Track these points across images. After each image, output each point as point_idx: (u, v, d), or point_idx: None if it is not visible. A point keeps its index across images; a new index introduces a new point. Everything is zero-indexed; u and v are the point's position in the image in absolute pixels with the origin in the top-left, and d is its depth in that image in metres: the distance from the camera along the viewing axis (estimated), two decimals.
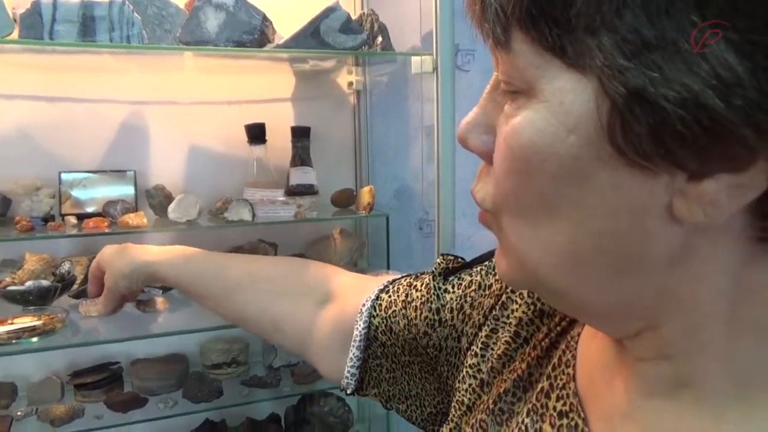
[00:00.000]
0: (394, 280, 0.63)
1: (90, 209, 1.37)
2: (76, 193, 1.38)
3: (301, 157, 1.53)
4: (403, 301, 0.59)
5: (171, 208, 1.33)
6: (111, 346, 1.47)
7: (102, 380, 1.39)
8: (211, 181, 1.51)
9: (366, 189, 1.45)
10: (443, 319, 0.55)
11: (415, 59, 1.17)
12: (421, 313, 0.57)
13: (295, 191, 1.50)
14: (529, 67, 0.30)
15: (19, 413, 1.30)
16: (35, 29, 0.99)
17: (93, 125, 1.43)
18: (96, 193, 1.39)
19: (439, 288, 0.57)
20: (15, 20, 1.01)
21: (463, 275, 0.56)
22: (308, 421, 1.53)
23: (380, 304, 0.60)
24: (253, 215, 1.36)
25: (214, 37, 1.12)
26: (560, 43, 0.28)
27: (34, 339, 1.04)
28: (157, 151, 1.49)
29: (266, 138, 1.50)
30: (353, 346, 0.61)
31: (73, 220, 1.31)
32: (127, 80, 1.44)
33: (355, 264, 1.63)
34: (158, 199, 1.40)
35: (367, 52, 1.30)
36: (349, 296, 0.65)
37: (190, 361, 1.50)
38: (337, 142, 1.66)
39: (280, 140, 1.53)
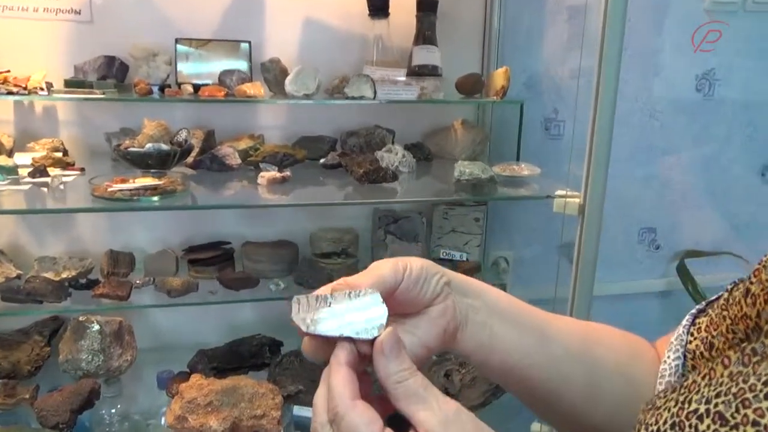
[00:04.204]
0: (710, 301, 0.55)
1: (205, 81, 1.30)
2: (191, 62, 1.31)
3: (426, 34, 1.38)
4: (722, 306, 0.50)
5: (289, 79, 1.23)
6: (223, 227, 1.45)
7: (215, 258, 1.38)
8: (327, 57, 1.40)
9: (501, 71, 1.28)
10: None
11: None
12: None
13: (417, 72, 1.36)
14: None
15: (137, 281, 1.31)
16: None
17: None
18: (211, 65, 1.32)
19: None
20: None
21: None
22: None
23: (699, 328, 0.53)
24: (375, 93, 1.24)
25: None
26: None
27: (155, 198, 1.00)
28: (272, 22, 1.38)
29: (389, 11, 1.35)
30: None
31: (189, 88, 1.25)
32: None
33: (476, 159, 1.49)
34: (273, 73, 1.31)
35: None
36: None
37: (299, 248, 1.45)
38: (466, 21, 1.47)
39: (403, 16, 1.38)
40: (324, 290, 0.48)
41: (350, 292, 0.45)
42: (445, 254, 1.51)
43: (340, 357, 0.43)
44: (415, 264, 0.49)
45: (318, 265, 1.40)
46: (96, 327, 1.29)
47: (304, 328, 0.44)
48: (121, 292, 1.25)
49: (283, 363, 1.33)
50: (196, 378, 1.21)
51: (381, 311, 0.44)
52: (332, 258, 1.43)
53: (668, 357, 0.56)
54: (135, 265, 1.39)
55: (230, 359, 1.36)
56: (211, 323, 1.50)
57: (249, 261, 1.40)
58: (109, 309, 1.25)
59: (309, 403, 1.28)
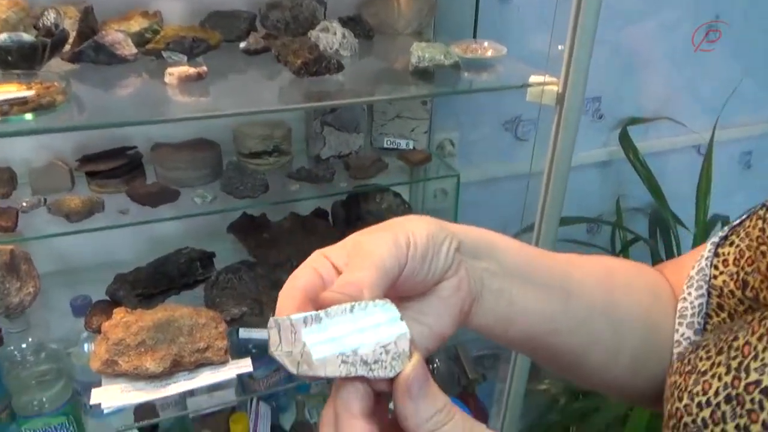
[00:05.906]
0: (733, 226, 0.49)
1: None
2: None
3: None
4: (758, 238, 0.45)
5: None
6: (124, 128, 1.19)
7: (119, 167, 1.14)
8: None
9: None
10: None
11: None
12: None
13: None
14: None
15: (24, 204, 1.07)
16: None
17: None
18: None
19: None
20: None
21: None
22: (362, 218, 1.33)
23: (725, 261, 0.47)
24: None
25: None
26: None
27: (29, 116, 0.74)
28: None
29: None
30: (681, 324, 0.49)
31: None
32: None
33: (420, 33, 1.28)
34: None
35: None
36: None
37: (222, 148, 1.23)
38: None
39: None
40: (301, 277, 0.34)
41: (353, 306, 0.31)
42: (389, 143, 1.35)
43: (353, 407, 0.30)
44: (419, 235, 0.36)
45: (247, 167, 1.21)
46: None
47: (293, 369, 0.30)
48: (5, 222, 1.01)
49: (220, 282, 1.18)
50: (120, 314, 1.04)
51: (398, 330, 0.32)
52: (263, 157, 1.24)
53: (689, 294, 0.50)
54: (17, 182, 1.13)
55: (156, 282, 1.19)
56: (126, 239, 1.30)
57: (162, 168, 1.17)
58: None
59: (255, 325, 1.17)
